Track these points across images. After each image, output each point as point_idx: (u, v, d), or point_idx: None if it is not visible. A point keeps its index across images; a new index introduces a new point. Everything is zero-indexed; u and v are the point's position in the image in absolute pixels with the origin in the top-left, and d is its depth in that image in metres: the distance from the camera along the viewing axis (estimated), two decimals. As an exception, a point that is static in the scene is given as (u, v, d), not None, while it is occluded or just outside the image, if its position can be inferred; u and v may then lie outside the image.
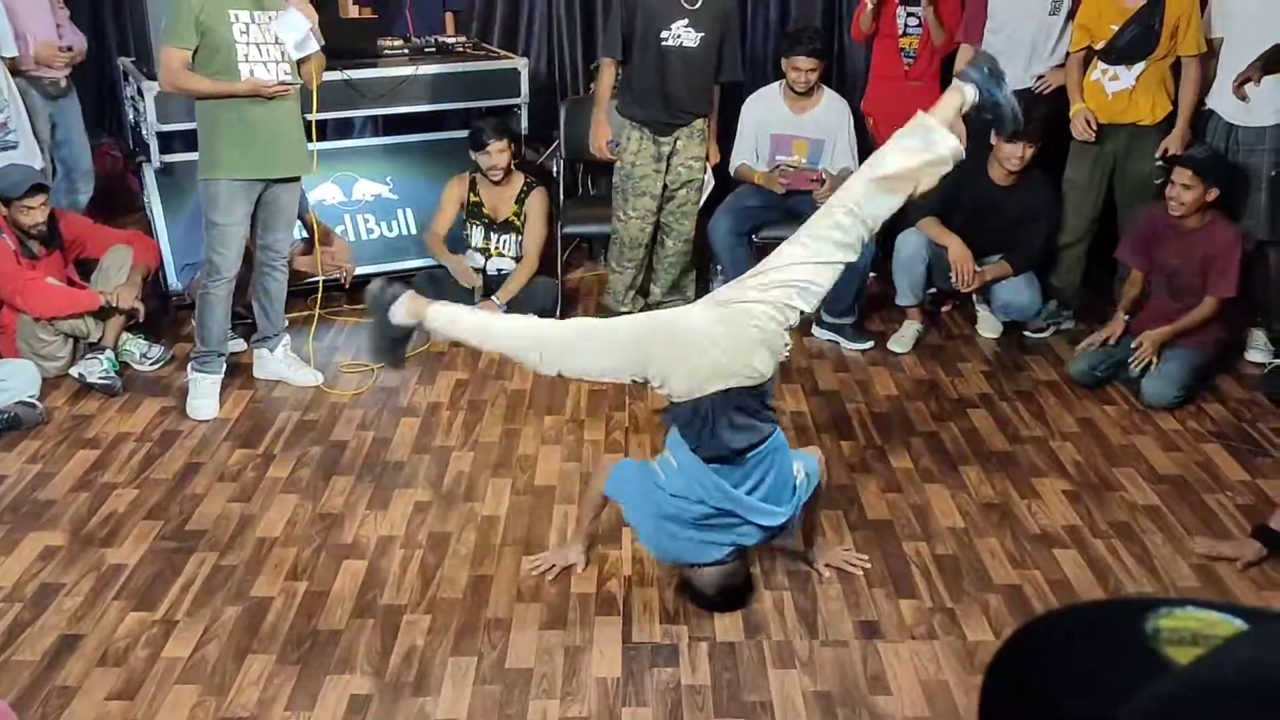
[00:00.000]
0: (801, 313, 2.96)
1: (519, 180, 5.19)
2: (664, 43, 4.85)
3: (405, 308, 3.11)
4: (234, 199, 4.21)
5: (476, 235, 5.21)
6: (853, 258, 3.01)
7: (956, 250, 4.87)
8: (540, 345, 3.03)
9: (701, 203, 5.17)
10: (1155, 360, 4.47)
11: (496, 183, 5.12)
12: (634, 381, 3.06)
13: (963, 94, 3.11)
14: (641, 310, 5.26)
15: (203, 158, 4.24)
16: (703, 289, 5.56)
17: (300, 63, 4.24)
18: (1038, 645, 0.68)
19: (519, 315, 3.25)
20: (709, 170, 5.15)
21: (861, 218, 2.96)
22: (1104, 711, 0.59)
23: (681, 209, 5.11)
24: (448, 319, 3.13)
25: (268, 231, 4.41)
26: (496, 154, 5.03)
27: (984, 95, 3.10)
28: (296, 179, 4.38)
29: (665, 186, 5.07)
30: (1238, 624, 0.62)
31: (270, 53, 4.15)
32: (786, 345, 2.98)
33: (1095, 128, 4.92)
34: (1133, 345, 4.54)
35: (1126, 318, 4.67)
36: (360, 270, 5.37)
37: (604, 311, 5.24)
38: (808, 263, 2.95)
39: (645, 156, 4.99)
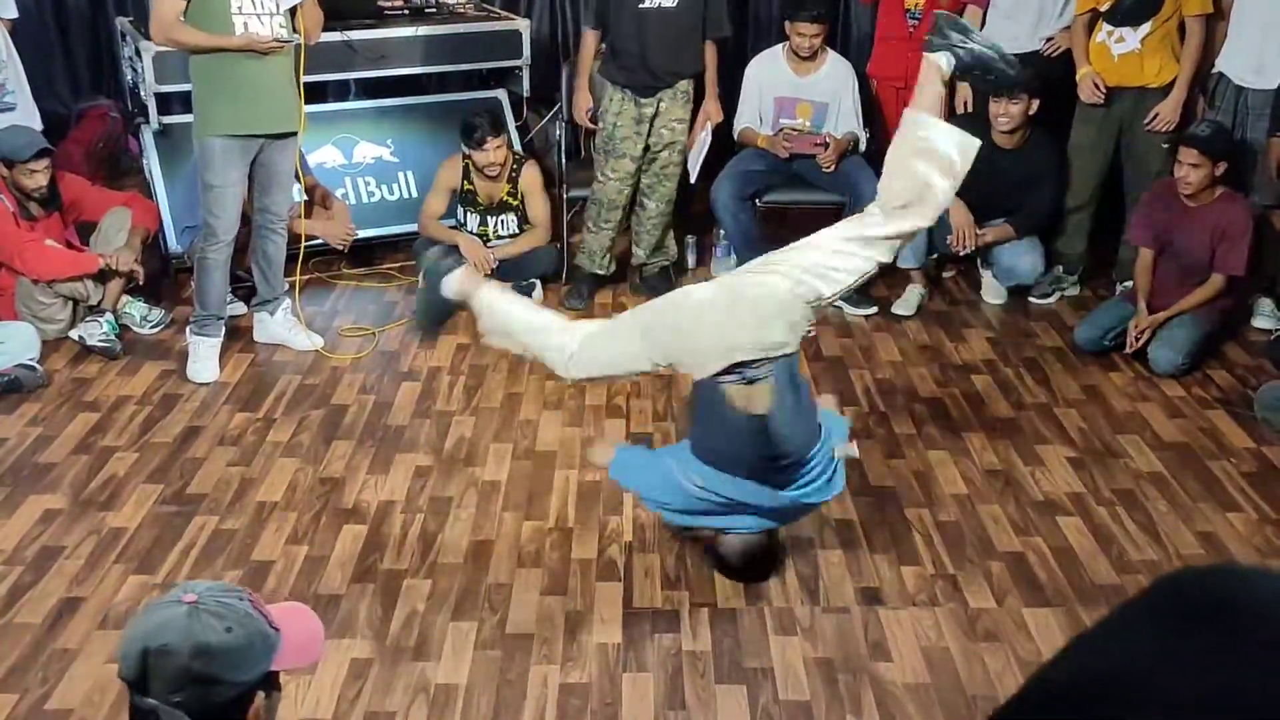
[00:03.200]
0: (820, 295, 2.84)
1: (508, 160, 5.14)
2: (642, 5, 4.76)
3: (459, 282, 3.05)
4: (229, 158, 4.15)
5: (471, 221, 5.16)
6: (882, 258, 2.90)
7: (957, 213, 4.83)
8: (567, 344, 2.95)
9: (699, 163, 5.08)
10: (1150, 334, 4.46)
11: (493, 178, 5.08)
12: (657, 368, 2.98)
13: (937, 65, 2.91)
14: (614, 272, 5.25)
15: (197, 116, 4.18)
16: (702, 253, 5.54)
17: (294, 16, 4.16)
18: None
19: (548, 313, 3.12)
20: (709, 129, 5.06)
21: (868, 246, 2.87)
22: None
23: (664, 170, 5.03)
24: (488, 306, 3.05)
25: (265, 193, 4.37)
26: (494, 151, 4.96)
27: (961, 56, 2.89)
28: (292, 136, 4.32)
29: (648, 148, 5.00)
30: None
31: (265, 5, 4.07)
32: (809, 320, 2.89)
33: (1103, 90, 4.86)
34: (1131, 324, 4.51)
35: (1145, 307, 4.55)
36: (361, 234, 5.34)
37: (578, 271, 5.19)
38: (828, 249, 2.87)
39: (626, 118, 4.92)
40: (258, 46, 4.05)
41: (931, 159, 2.83)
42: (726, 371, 2.78)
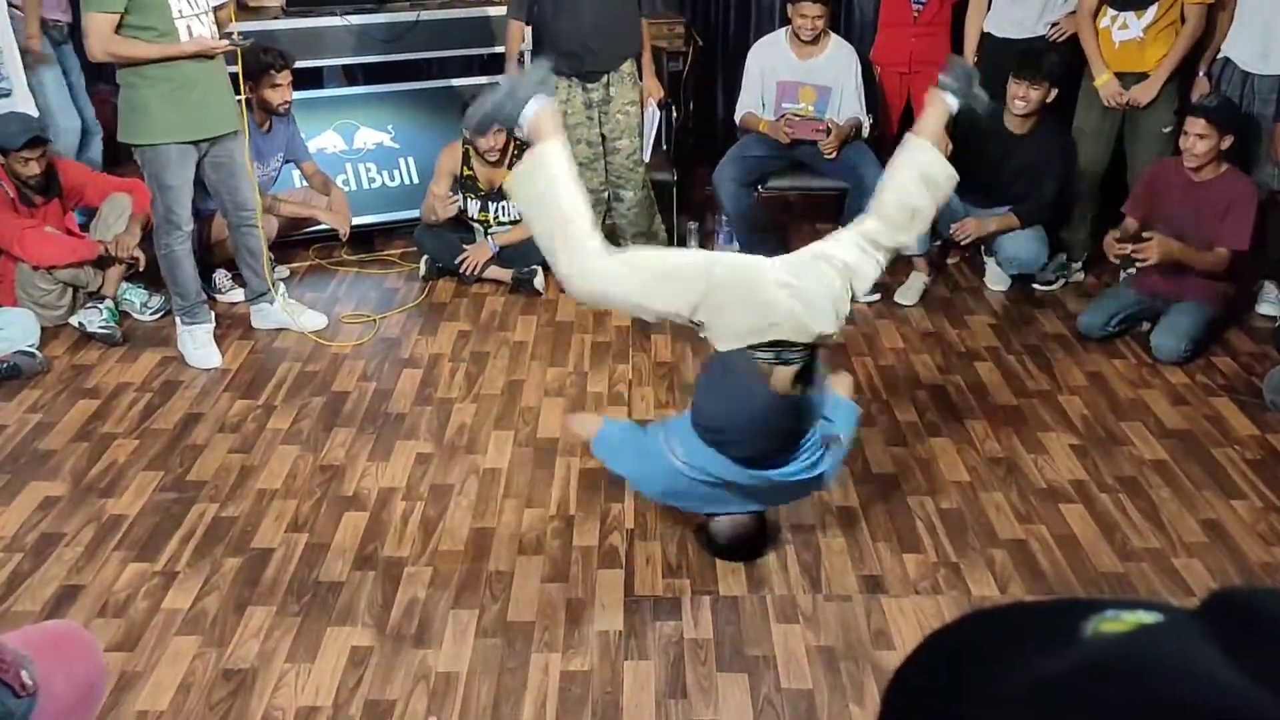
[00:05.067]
0: (856, 292, 2.85)
1: (509, 145, 5.11)
2: None
3: (536, 114, 2.84)
4: (184, 158, 4.14)
5: (472, 208, 5.15)
6: (883, 265, 2.97)
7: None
8: (593, 253, 2.78)
9: (650, 137, 5.05)
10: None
11: (493, 163, 5.05)
12: (680, 317, 2.84)
13: (946, 104, 3.12)
14: None
15: (137, 124, 4.08)
16: (704, 240, 5.52)
17: (216, 11, 4.15)
18: (964, 646, 0.63)
19: (588, 213, 2.83)
20: (653, 105, 5.03)
21: (876, 250, 2.92)
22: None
23: (630, 159, 5.01)
24: (544, 156, 2.81)
25: (231, 192, 4.34)
26: (494, 135, 4.94)
27: (964, 102, 3.14)
28: (236, 131, 4.28)
29: (604, 137, 4.97)
30: None
31: (198, 4, 4.04)
32: (848, 315, 2.85)
33: (1125, 98, 4.83)
34: (1144, 235, 4.42)
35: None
36: (361, 220, 5.33)
37: None
38: (855, 249, 2.90)
39: (576, 104, 4.88)
40: (211, 50, 4.02)
41: (927, 185, 2.98)
42: (762, 347, 2.75)
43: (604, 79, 4.85)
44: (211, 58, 4.07)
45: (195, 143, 4.15)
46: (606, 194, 5.10)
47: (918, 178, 2.97)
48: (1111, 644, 0.56)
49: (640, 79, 4.97)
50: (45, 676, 1.21)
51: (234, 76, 4.34)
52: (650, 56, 5.04)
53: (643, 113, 4.99)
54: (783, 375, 2.78)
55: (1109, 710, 0.52)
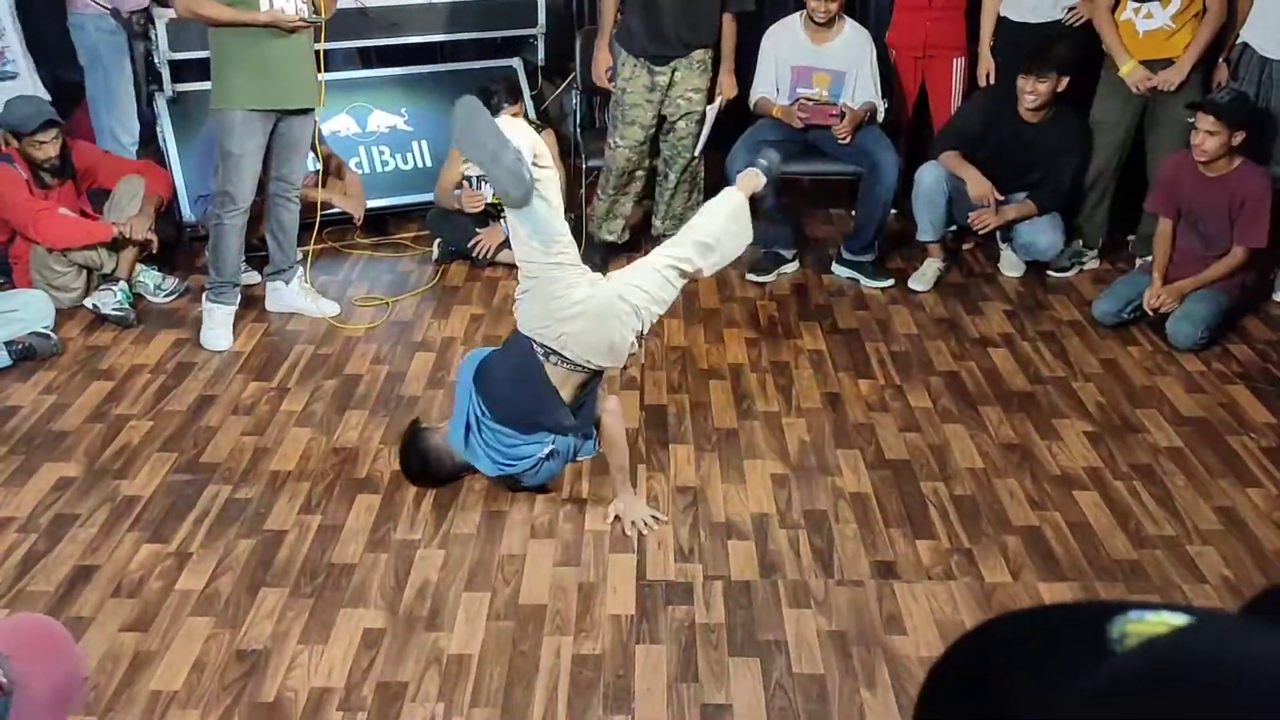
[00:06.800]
0: (640, 329, 3.23)
1: None
2: None
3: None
4: (249, 129, 4.16)
5: (487, 191, 5.13)
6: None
7: (975, 185, 4.78)
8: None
9: (704, 135, 5.04)
10: (1176, 305, 4.39)
11: None
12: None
13: (757, 175, 3.65)
14: (628, 241, 5.23)
15: (215, 87, 4.18)
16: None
17: None
18: (994, 647, 0.63)
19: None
20: (718, 103, 5.01)
21: (681, 277, 3.33)
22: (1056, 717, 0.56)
23: (682, 141, 5.01)
24: None
25: (282, 163, 4.36)
26: (511, 119, 4.92)
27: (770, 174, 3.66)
28: (310, 111, 4.32)
29: (664, 119, 4.97)
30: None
31: None
32: (631, 351, 3.30)
33: (1153, 82, 4.79)
34: (1146, 293, 4.45)
35: (1161, 280, 4.48)
36: (374, 203, 5.32)
37: (590, 239, 5.17)
38: (660, 276, 3.29)
39: (638, 85, 4.88)
40: (283, 25, 4.05)
41: (737, 220, 3.48)
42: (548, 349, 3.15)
43: (672, 64, 4.85)
44: (291, 31, 4.09)
45: (267, 113, 4.18)
46: (645, 174, 5.10)
47: (729, 215, 3.45)
48: (1170, 641, 0.56)
49: (710, 70, 4.94)
50: (22, 675, 1.19)
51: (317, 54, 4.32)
52: (731, 51, 5.01)
53: (707, 106, 4.97)
54: (556, 375, 3.17)
55: (1192, 700, 0.52)
